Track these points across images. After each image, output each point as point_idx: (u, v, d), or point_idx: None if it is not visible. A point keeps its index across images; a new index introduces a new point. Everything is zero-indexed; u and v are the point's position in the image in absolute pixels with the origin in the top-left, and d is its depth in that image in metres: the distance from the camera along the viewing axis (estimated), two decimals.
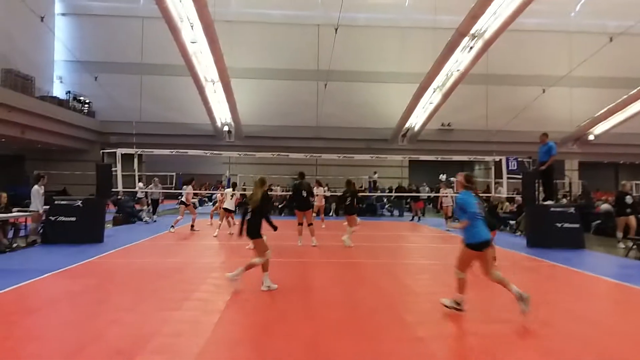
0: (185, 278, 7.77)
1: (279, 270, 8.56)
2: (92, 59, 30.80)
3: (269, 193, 12.91)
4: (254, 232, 7.01)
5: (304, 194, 11.86)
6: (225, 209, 13.85)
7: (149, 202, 18.98)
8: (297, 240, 11.92)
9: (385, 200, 25.41)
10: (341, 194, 13.15)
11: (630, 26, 20.39)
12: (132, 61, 33.02)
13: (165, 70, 32.17)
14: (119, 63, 32.69)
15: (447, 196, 17.11)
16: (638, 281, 7.98)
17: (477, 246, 5.71)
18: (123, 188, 15.22)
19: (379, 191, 27.75)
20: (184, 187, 15.70)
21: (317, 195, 16.47)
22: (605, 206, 16.39)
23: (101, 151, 13.66)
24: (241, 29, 32.85)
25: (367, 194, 25.48)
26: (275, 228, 7.27)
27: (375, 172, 29.33)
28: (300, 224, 12.02)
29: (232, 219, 14.48)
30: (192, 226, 15.16)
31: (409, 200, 23.65)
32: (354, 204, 12.07)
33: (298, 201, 12.02)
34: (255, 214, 7.03)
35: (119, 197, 17.29)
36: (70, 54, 28.31)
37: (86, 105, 31.85)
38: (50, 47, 32.27)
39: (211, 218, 17.49)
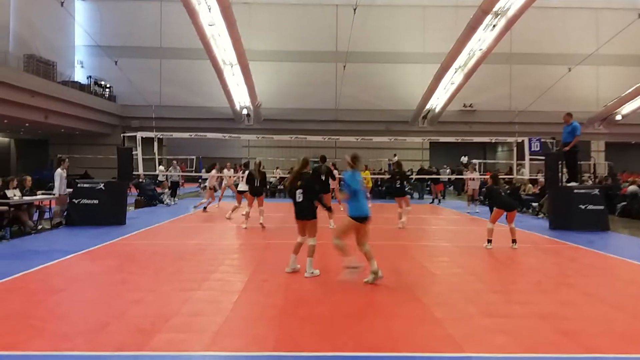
0: (205, 259, 7.88)
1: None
2: (112, 43, 31.04)
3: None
4: (309, 213, 6.74)
5: (323, 177, 11.75)
6: (240, 191, 13.75)
7: (170, 185, 19.25)
8: None
9: (405, 182, 25.21)
10: (389, 176, 13.35)
11: None
12: (151, 45, 33.23)
13: (184, 54, 32.27)
14: (139, 47, 32.91)
15: (473, 179, 16.83)
16: None
17: (358, 219, 6.38)
18: (144, 171, 15.42)
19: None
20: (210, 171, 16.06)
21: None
22: (632, 188, 16.00)
23: (122, 135, 13.83)
24: (259, 10, 32.67)
25: (387, 176, 25.30)
26: (329, 209, 7.39)
27: (395, 155, 29.09)
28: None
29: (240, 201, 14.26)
30: (205, 208, 15.63)
31: (429, 182, 23.43)
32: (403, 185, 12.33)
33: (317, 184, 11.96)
34: (307, 195, 6.77)
35: (141, 180, 17.56)
36: (90, 38, 28.55)
37: (107, 90, 32.24)
38: (70, 32, 32.61)
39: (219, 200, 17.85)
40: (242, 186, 13.47)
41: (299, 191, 6.73)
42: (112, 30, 32.83)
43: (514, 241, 9.14)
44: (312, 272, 6.72)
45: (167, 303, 5.41)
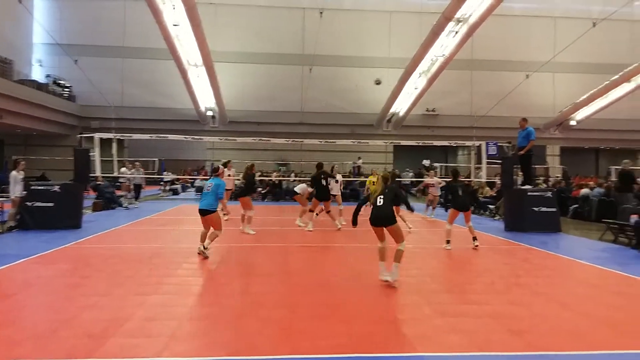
0: (162, 263, 7.75)
1: (259, 255, 8.59)
2: (72, 41, 30.13)
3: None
4: (391, 218, 6.42)
5: (324, 182, 11.88)
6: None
7: (131, 187, 18.81)
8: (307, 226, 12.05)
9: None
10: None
11: (613, 12, 20.56)
12: (113, 44, 32.42)
13: (147, 54, 31.66)
14: (100, 46, 32.07)
15: (433, 185, 16.14)
16: (610, 264, 8.16)
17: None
18: (103, 173, 15.02)
19: (362, 176, 27.80)
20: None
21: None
22: (584, 191, 16.66)
23: (79, 136, 13.44)
24: (225, 11, 32.41)
25: (351, 179, 25.52)
26: (412, 210, 7.77)
27: (359, 158, 29.38)
28: (311, 210, 12.24)
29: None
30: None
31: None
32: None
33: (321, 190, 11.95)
34: (387, 201, 6.46)
35: (99, 182, 17.10)
36: (49, 36, 27.65)
37: (66, 89, 31.25)
38: (29, 30, 31.51)
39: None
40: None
41: (379, 196, 6.47)
42: (72, 28, 31.87)
43: (474, 239, 9.45)
44: (396, 280, 6.38)
45: (121, 307, 5.29)
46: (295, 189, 12.95)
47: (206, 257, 8.08)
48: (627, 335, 4.69)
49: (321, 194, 11.89)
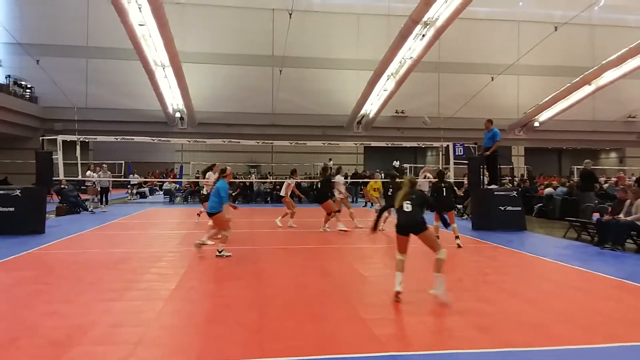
0: (129, 268, 7.58)
1: (228, 258, 8.50)
2: (33, 41, 29.18)
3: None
4: (422, 225, 5.83)
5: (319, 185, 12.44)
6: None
7: (98, 190, 18.33)
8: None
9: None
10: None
11: (574, 16, 21.23)
12: (77, 44, 31.58)
13: (112, 54, 30.93)
14: (63, 46, 31.19)
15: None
16: (573, 260, 8.42)
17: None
18: (67, 177, 14.61)
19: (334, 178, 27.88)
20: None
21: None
22: (548, 190, 17.16)
23: (41, 138, 13.02)
24: (192, 11, 32.02)
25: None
26: (447, 225, 7.18)
27: (330, 159, 29.43)
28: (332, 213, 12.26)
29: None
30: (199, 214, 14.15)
31: (362, 187, 23.89)
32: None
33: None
34: (416, 206, 5.91)
35: (62, 186, 16.61)
36: (9, 35, 26.69)
37: (28, 90, 30.29)
38: None
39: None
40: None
41: (406, 202, 5.92)
42: (34, 26, 30.90)
43: (457, 237, 9.71)
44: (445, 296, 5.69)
45: (85, 314, 5.15)
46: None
47: (200, 247, 8.76)
48: (587, 329, 4.84)
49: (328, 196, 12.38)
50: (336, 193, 13.03)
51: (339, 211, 12.40)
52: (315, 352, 4.18)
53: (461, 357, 4.12)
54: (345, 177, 18.90)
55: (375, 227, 6.76)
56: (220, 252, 8.45)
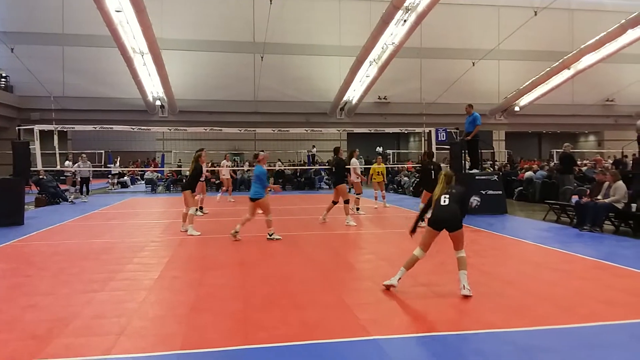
0: (111, 258, 7.50)
1: (212, 247, 8.47)
2: (7, 29, 28.46)
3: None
4: (459, 222, 5.61)
5: (333, 169, 11.52)
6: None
7: (79, 180, 18.03)
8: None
9: (323, 173, 25.61)
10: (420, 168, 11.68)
11: (553, 1, 21.38)
12: (52, 31, 30.81)
13: (89, 41, 30.20)
14: (38, 33, 30.39)
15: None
16: (552, 242, 8.58)
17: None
18: (45, 167, 14.35)
19: (317, 165, 27.92)
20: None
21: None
22: (528, 174, 17.40)
23: (17, 128, 12.74)
24: None
25: (306, 167, 25.57)
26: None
27: (313, 146, 29.45)
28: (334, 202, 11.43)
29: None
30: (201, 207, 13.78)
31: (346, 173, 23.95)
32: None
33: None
34: (453, 202, 5.63)
35: (41, 176, 16.31)
36: None
37: (3, 80, 29.50)
38: None
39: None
40: None
41: (444, 196, 5.68)
42: (7, 14, 30.09)
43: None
44: (469, 290, 5.42)
45: (66, 306, 5.08)
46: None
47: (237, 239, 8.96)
48: (567, 309, 4.94)
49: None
50: (353, 177, 13.22)
51: (347, 201, 11.17)
52: (300, 338, 4.20)
53: (443, 339, 4.18)
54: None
55: (414, 229, 5.97)
56: (270, 236, 9.01)
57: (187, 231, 9.83)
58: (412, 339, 4.23)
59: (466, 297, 5.31)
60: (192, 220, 9.97)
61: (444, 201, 5.63)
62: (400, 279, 5.62)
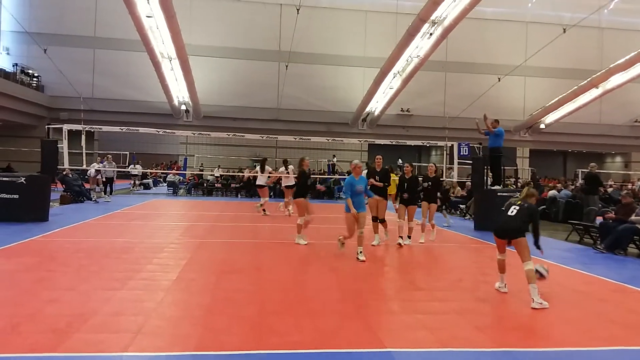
0: (131, 258, 7.62)
1: (230, 251, 8.54)
2: (41, 30, 29.32)
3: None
4: (520, 231, 5.91)
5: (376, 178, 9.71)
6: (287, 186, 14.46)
7: (104, 180, 18.39)
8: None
9: (342, 183, 25.55)
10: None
11: (582, 18, 21.12)
12: (84, 34, 31.68)
13: (119, 45, 31.01)
14: (71, 36, 31.30)
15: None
16: (573, 263, 8.43)
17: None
18: (72, 166, 14.69)
19: (337, 174, 27.90)
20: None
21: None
22: (551, 192, 17.12)
23: (47, 126, 13.10)
24: (201, 4, 32.05)
25: (326, 176, 25.58)
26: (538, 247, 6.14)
27: (334, 156, 29.48)
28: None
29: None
30: (261, 206, 14.72)
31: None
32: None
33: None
34: (520, 215, 5.96)
35: (66, 174, 16.68)
36: (17, 24, 26.76)
37: (35, 79, 30.40)
38: None
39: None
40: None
41: (514, 207, 6.03)
42: (42, 16, 31.01)
43: (408, 237, 9.80)
44: (541, 303, 5.58)
45: (86, 302, 5.18)
46: None
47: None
48: (586, 332, 4.84)
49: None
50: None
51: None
52: (314, 346, 4.20)
53: (458, 356, 4.14)
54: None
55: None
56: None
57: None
58: (427, 353, 4.19)
59: (535, 309, 5.49)
60: (300, 229, 9.52)
61: (512, 212, 6.00)
62: (505, 283, 6.26)
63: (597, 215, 12.56)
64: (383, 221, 9.65)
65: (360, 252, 7.94)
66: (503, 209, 6.23)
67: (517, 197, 6.33)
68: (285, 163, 14.96)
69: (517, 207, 5.99)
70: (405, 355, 4.10)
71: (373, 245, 9.33)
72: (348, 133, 32.50)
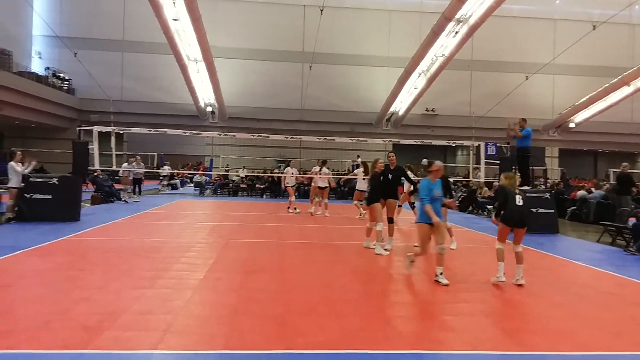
0: (160, 257, 7.76)
1: (256, 251, 8.61)
2: (71, 34, 30.08)
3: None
4: (528, 221, 6.69)
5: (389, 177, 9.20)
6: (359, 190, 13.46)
7: (131, 180, 18.76)
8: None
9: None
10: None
11: (613, 15, 20.57)
12: (113, 38, 32.45)
13: (147, 48, 31.63)
14: (100, 39, 32.07)
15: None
16: (605, 265, 8.20)
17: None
18: (102, 167, 15.05)
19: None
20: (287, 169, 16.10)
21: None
22: (581, 192, 16.70)
23: (77, 128, 13.45)
24: (225, 7, 32.39)
25: (350, 177, 25.51)
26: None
27: (358, 156, 29.35)
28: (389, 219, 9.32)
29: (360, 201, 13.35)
30: (289, 207, 15.38)
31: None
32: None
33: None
34: (524, 201, 6.63)
35: (96, 174, 17.09)
36: (49, 28, 27.59)
37: (65, 82, 31.26)
38: (28, 22, 31.50)
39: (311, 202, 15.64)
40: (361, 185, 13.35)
41: (517, 196, 6.40)
42: (72, 20, 31.85)
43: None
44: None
45: (116, 301, 5.31)
46: None
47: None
48: (617, 336, 4.72)
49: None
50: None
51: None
52: (338, 347, 4.21)
53: (483, 358, 4.09)
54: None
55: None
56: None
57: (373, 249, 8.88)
58: (454, 356, 4.16)
59: (520, 285, 6.28)
60: (379, 237, 8.82)
61: (520, 201, 6.33)
62: (504, 272, 6.49)
63: (630, 216, 12.19)
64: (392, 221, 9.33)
65: (441, 273, 6.55)
66: (502, 201, 6.48)
67: (505, 185, 6.63)
68: (324, 164, 15.27)
69: (520, 196, 6.38)
70: (432, 357, 4.08)
71: (386, 250, 8.86)
72: (372, 133, 32.38)
